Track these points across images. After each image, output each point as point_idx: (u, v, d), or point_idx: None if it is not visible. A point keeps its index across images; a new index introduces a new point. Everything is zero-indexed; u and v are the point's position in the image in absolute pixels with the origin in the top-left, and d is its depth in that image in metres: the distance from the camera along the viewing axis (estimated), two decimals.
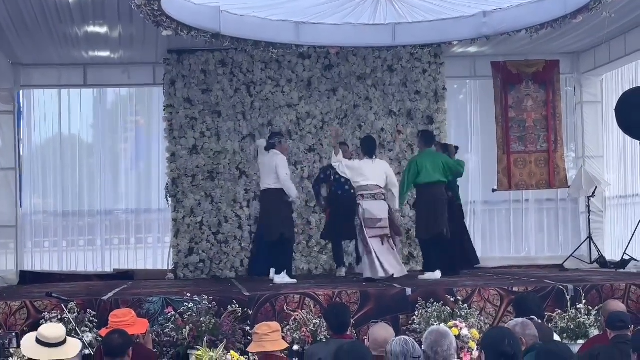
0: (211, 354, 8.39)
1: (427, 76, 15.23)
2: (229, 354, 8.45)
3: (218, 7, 10.40)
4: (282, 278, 12.01)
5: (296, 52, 14.43)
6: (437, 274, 12.21)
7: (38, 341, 6.76)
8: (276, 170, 12.18)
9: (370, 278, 11.65)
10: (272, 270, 12.30)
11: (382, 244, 11.75)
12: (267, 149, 12.49)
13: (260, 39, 11.19)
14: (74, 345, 6.85)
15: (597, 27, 13.41)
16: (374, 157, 12.20)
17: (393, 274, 11.68)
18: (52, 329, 6.90)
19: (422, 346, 6.10)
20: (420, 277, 12.27)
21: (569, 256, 15.01)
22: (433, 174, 12.48)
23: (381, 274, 11.65)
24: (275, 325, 7.39)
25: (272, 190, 12.34)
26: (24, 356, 7.01)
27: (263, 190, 12.60)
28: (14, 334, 8.90)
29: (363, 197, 11.84)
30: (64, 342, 6.79)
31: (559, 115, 15.28)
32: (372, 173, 11.90)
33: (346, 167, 11.92)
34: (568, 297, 10.26)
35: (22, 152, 15.53)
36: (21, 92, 15.43)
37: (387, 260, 11.72)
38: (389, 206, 12.01)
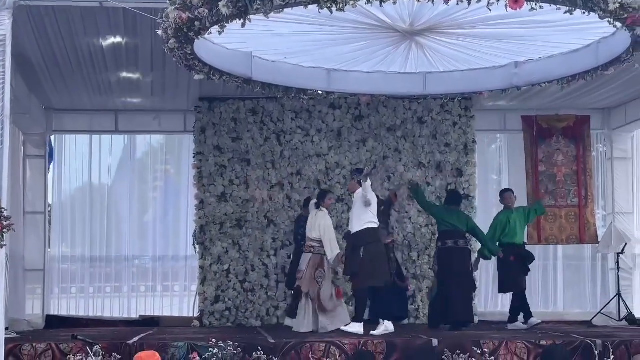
0: None
1: (457, 129, 15.20)
2: None
3: (250, 52, 10.43)
4: None
5: (327, 102, 14.53)
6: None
7: None
8: None
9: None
10: None
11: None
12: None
13: (291, 85, 11.21)
14: None
15: (628, 83, 13.42)
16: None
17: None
18: None
19: None
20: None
21: (598, 312, 14.87)
22: None
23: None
24: None
25: None
26: None
27: None
28: None
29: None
30: None
31: (589, 171, 15.21)
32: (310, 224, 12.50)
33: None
34: (596, 352, 10.18)
35: (51, 197, 15.59)
36: (52, 137, 15.52)
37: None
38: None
